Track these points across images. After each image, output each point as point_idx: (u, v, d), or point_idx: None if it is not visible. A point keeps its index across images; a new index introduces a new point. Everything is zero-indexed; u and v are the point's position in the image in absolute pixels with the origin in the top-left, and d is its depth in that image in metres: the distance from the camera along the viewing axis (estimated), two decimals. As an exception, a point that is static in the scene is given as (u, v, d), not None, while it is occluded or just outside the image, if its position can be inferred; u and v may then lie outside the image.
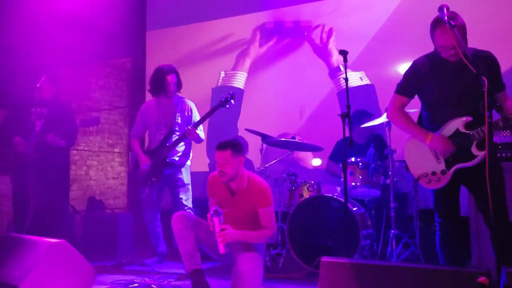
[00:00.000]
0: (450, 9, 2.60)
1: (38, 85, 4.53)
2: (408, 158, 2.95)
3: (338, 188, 4.30)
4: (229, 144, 3.20)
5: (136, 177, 4.49)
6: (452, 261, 2.83)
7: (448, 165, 2.76)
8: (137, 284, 3.47)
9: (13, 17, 5.35)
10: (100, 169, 7.14)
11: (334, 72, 5.37)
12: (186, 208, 4.27)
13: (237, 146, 3.23)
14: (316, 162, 5.28)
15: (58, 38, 5.38)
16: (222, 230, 2.99)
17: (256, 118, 5.57)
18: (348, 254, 3.71)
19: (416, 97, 2.97)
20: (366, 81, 5.19)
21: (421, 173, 2.84)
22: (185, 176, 4.40)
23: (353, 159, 4.17)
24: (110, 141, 7.31)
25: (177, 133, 4.32)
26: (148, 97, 6.50)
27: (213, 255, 3.32)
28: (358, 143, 4.51)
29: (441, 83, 2.80)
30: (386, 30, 5.14)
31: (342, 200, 3.59)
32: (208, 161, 5.74)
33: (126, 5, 6.21)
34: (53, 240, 2.95)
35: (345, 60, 3.30)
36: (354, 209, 3.92)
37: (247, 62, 5.88)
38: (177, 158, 4.34)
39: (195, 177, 4.61)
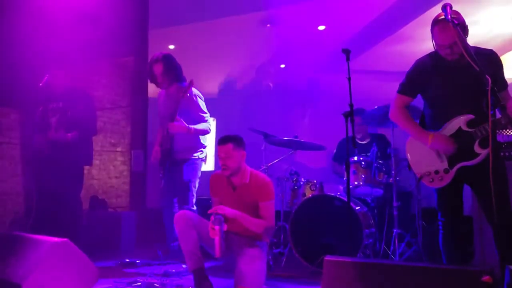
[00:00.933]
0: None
1: (41, 85, 4.51)
2: (410, 157, 2.95)
3: (341, 187, 4.30)
4: (230, 138, 3.26)
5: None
6: (455, 260, 2.82)
7: (451, 163, 2.76)
8: (139, 283, 3.47)
9: (16, 17, 5.36)
10: (103, 168, 7.14)
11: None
12: (185, 207, 4.12)
13: (238, 139, 3.28)
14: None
15: (60, 37, 5.38)
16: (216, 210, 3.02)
17: (257, 117, 5.58)
18: (351, 253, 3.71)
19: (419, 96, 2.97)
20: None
21: (423, 172, 2.84)
22: (186, 172, 4.21)
23: (355, 158, 4.17)
24: (113, 140, 7.31)
25: None
26: (151, 96, 6.53)
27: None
28: (360, 142, 4.51)
29: (444, 81, 2.80)
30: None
31: (345, 199, 3.59)
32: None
33: (128, 4, 6.22)
34: (56, 239, 2.96)
35: (347, 59, 3.30)
36: (357, 208, 3.92)
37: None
38: (179, 153, 4.21)
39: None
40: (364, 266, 2.47)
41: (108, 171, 7.16)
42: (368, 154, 4.23)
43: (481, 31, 4.65)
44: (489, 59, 2.73)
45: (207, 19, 6.21)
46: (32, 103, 4.54)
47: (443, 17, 2.62)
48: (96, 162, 7.14)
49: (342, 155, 4.60)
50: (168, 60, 4.17)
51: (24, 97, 4.80)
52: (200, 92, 4.34)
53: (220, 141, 3.27)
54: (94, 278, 3.07)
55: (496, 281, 2.21)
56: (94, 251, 4.13)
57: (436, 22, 2.69)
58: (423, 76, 2.85)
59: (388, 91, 3.01)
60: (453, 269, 2.31)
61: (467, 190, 2.88)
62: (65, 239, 2.98)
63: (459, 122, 2.75)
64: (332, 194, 3.99)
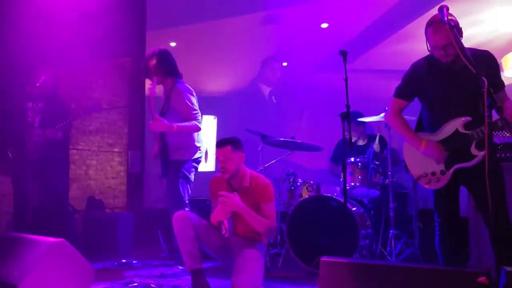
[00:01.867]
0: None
1: (38, 84, 4.52)
2: (407, 159, 2.95)
3: (338, 188, 4.30)
4: (228, 141, 3.26)
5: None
6: (451, 261, 2.83)
7: (448, 165, 2.77)
8: (136, 284, 3.47)
9: (11, 16, 5.34)
10: (100, 168, 7.13)
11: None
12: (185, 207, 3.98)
13: (236, 142, 3.29)
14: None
15: (57, 37, 5.38)
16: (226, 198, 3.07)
17: (256, 118, 5.59)
18: (347, 254, 3.72)
19: (416, 101, 2.98)
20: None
21: (420, 174, 2.85)
22: (174, 173, 3.92)
23: (352, 159, 4.18)
24: (110, 141, 7.30)
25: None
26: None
27: (214, 255, 3.33)
28: (357, 144, 4.52)
29: (440, 84, 2.81)
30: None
31: (342, 200, 3.60)
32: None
33: (126, 5, 6.21)
34: (53, 240, 2.95)
35: (344, 60, 3.31)
36: (354, 209, 3.93)
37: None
38: (172, 154, 3.98)
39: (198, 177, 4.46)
40: (361, 267, 2.48)
41: (105, 171, 7.14)
42: (365, 155, 4.24)
43: (486, 30, 4.67)
44: (484, 60, 2.73)
45: (206, 19, 6.21)
46: (14, 102, 4.55)
47: (437, 18, 2.63)
48: (93, 162, 7.14)
49: (340, 155, 4.60)
50: (164, 55, 4.09)
51: (21, 97, 4.79)
52: (201, 91, 4.26)
53: (218, 144, 3.27)
54: (91, 279, 3.07)
55: (492, 282, 2.22)
56: (91, 252, 4.13)
57: (430, 23, 2.70)
58: (419, 79, 2.86)
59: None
60: (449, 270, 2.32)
61: (462, 191, 2.89)
62: (62, 239, 2.98)
63: (456, 124, 2.76)
64: (329, 195, 3.99)
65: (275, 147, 4.69)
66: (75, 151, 6.73)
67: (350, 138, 3.18)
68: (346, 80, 3.29)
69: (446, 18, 2.55)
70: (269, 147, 4.64)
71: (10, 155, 4.33)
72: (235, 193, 3.14)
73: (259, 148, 4.56)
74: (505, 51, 4.53)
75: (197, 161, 4.05)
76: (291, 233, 4.00)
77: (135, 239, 5.32)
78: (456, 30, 2.55)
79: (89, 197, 6.11)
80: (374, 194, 4.24)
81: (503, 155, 3.32)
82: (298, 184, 4.30)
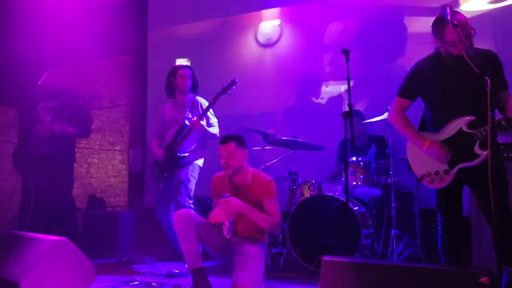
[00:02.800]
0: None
1: (40, 83, 4.53)
2: (410, 158, 2.94)
3: (339, 188, 4.29)
4: (232, 137, 3.29)
5: (152, 174, 4.51)
6: (453, 261, 2.82)
7: (451, 164, 2.76)
8: (137, 282, 3.47)
9: (15, 17, 5.35)
10: (101, 167, 7.15)
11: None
12: (185, 204, 4.23)
13: (240, 139, 3.31)
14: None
15: (59, 35, 5.38)
16: (226, 202, 3.09)
17: (257, 117, 5.58)
18: (349, 254, 3.71)
19: (419, 100, 2.97)
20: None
21: (423, 173, 2.83)
22: (184, 172, 4.33)
23: (354, 158, 4.17)
24: (111, 139, 7.31)
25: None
26: (150, 95, 6.52)
27: (215, 254, 3.33)
28: (358, 143, 4.51)
29: (443, 83, 2.80)
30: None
31: (343, 199, 3.59)
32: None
33: (128, 3, 6.21)
34: (55, 238, 2.96)
35: (347, 59, 3.30)
36: (355, 208, 3.92)
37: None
38: (186, 155, 4.34)
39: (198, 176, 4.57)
40: (362, 266, 2.48)
41: (106, 170, 7.16)
42: (366, 156, 4.23)
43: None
44: (487, 59, 2.72)
45: (208, 18, 6.20)
46: (30, 102, 4.57)
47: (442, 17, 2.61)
48: (94, 161, 7.15)
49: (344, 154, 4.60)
50: (192, 70, 4.59)
51: (23, 96, 4.81)
52: (202, 91, 4.58)
53: (222, 140, 3.29)
54: (92, 277, 3.07)
55: (494, 282, 2.21)
56: (92, 250, 4.13)
57: (444, 21, 2.65)
58: (422, 79, 2.85)
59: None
60: (451, 270, 2.32)
61: (465, 191, 2.88)
62: (63, 237, 2.98)
63: (460, 123, 2.75)
64: (331, 194, 3.99)
65: (276, 146, 4.69)
66: (76, 149, 6.75)
67: (352, 137, 3.18)
68: (348, 79, 3.29)
69: (449, 17, 2.54)
70: (270, 146, 4.64)
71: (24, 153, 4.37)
72: (234, 198, 3.14)
73: (261, 147, 4.57)
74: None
75: (200, 167, 4.51)
76: (293, 232, 3.99)
77: (136, 237, 5.32)
78: (460, 28, 2.54)
79: (90, 195, 6.13)
80: (376, 193, 4.23)
81: (505, 155, 3.31)
82: (300, 183, 4.29)
